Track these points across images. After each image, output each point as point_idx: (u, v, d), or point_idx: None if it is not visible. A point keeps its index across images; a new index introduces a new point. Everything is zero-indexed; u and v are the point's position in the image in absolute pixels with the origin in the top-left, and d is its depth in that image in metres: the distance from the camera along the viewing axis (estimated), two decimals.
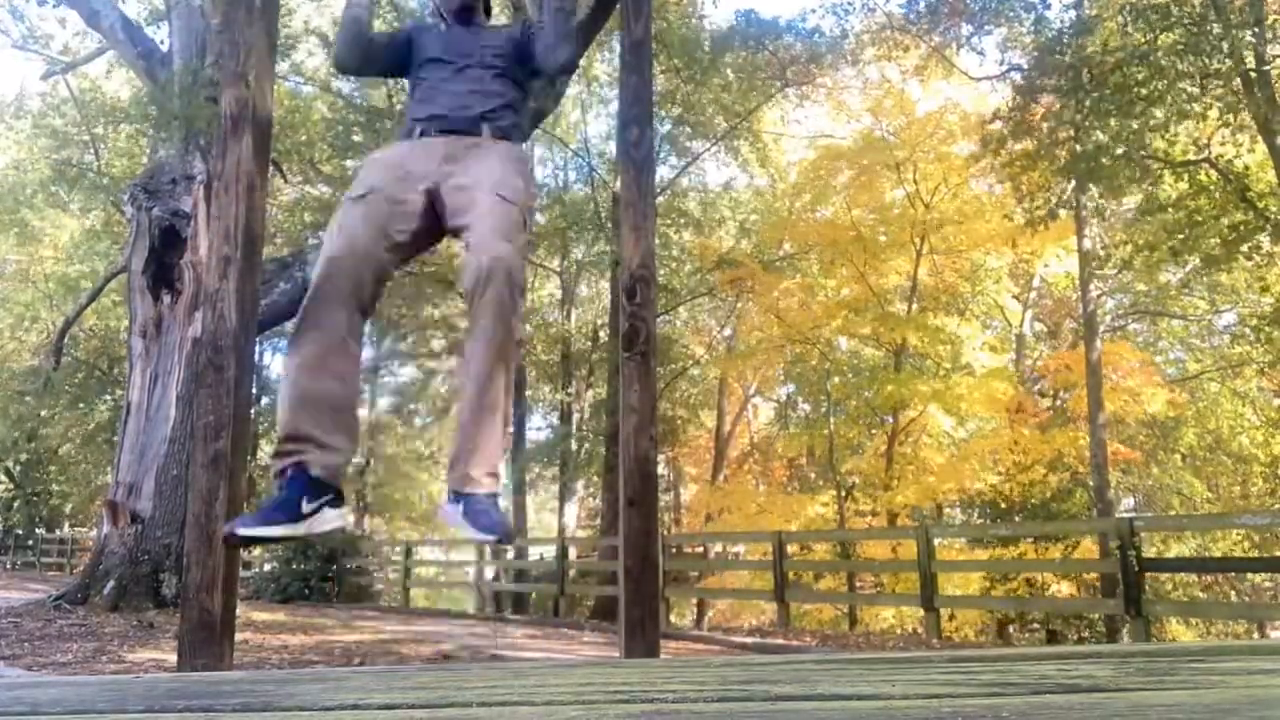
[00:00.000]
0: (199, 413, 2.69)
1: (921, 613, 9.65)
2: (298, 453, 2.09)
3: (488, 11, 2.79)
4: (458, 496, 2.13)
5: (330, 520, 2.11)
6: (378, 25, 14.91)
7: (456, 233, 2.28)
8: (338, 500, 2.14)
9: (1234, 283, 16.26)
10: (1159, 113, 10.51)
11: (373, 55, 2.69)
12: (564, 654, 7.16)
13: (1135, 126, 10.70)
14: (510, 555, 16.29)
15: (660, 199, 17.02)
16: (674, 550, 16.93)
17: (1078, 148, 11.00)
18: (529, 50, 2.55)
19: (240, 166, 2.79)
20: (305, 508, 2.05)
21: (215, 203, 2.85)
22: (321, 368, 2.15)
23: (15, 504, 24.19)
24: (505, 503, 2.24)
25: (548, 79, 2.61)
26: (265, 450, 24.46)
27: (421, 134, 2.39)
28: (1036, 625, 15.96)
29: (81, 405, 20.39)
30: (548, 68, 2.56)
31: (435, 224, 2.32)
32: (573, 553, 14.24)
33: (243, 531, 2.06)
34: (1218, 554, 16.29)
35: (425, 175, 2.29)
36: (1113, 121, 10.68)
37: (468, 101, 2.42)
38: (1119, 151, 10.97)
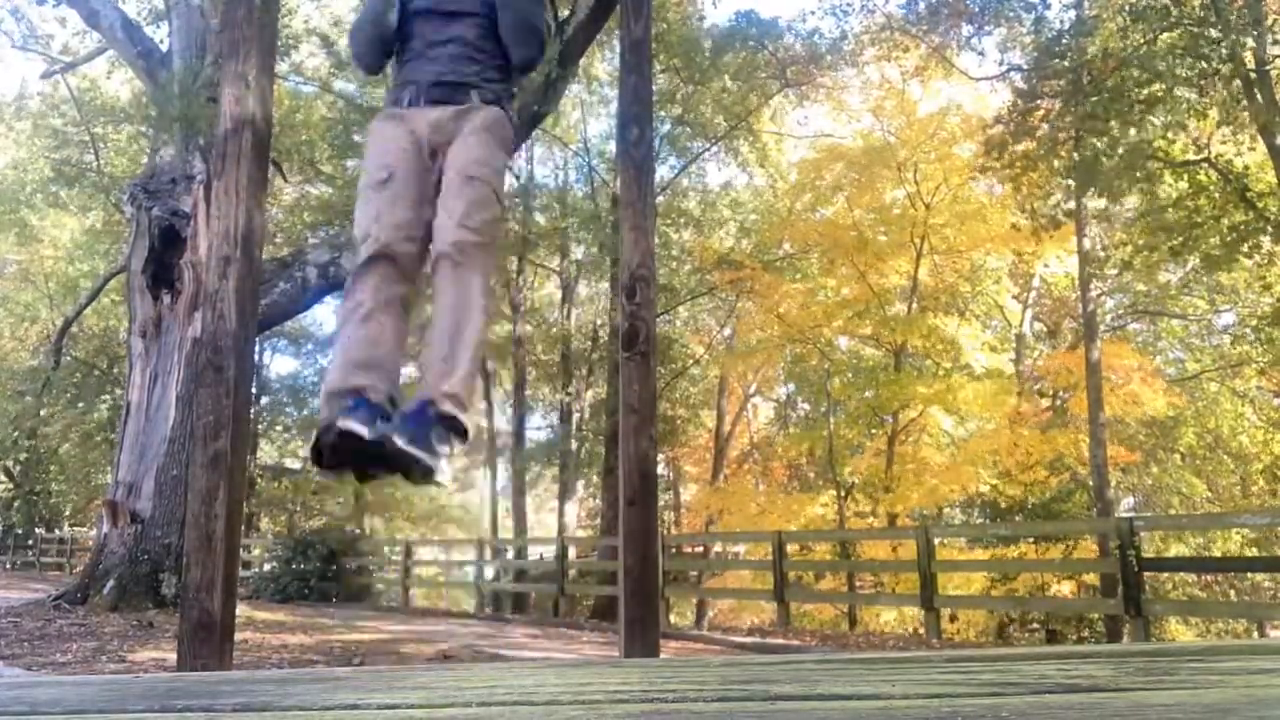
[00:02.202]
0: (199, 412, 2.69)
1: (921, 613, 9.65)
2: (357, 391, 2.16)
3: None
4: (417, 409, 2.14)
5: (408, 447, 2.12)
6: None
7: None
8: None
9: (1234, 283, 16.26)
10: (1156, 120, 10.51)
11: (390, 45, 2.66)
12: (564, 654, 7.16)
13: (1134, 129, 10.71)
14: (510, 555, 16.30)
15: (660, 199, 17.02)
16: (674, 550, 16.94)
17: (1075, 155, 11.00)
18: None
19: (240, 166, 2.79)
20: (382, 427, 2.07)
21: (215, 203, 2.85)
22: (375, 335, 2.25)
23: (15, 503, 24.19)
24: (463, 447, 2.21)
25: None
26: (265, 450, 24.48)
27: (410, 103, 2.44)
28: (1036, 625, 15.96)
29: (81, 405, 20.40)
30: (513, 62, 2.57)
31: None
32: (573, 553, 14.24)
33: (348, 426, 2.02)
34: (1218, 554, 16.29)
35: (424, 140, 2.40)
36: (1113, 124, 10.69)
37: (455, 67, 2.45)
38: (1118, 154, 10.98)
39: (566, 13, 8.94)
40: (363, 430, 2.01)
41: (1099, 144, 10.70)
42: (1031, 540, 14.11)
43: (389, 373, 2.25)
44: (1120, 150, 10.81)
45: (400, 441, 2.01)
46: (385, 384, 2.20)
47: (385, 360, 2.25)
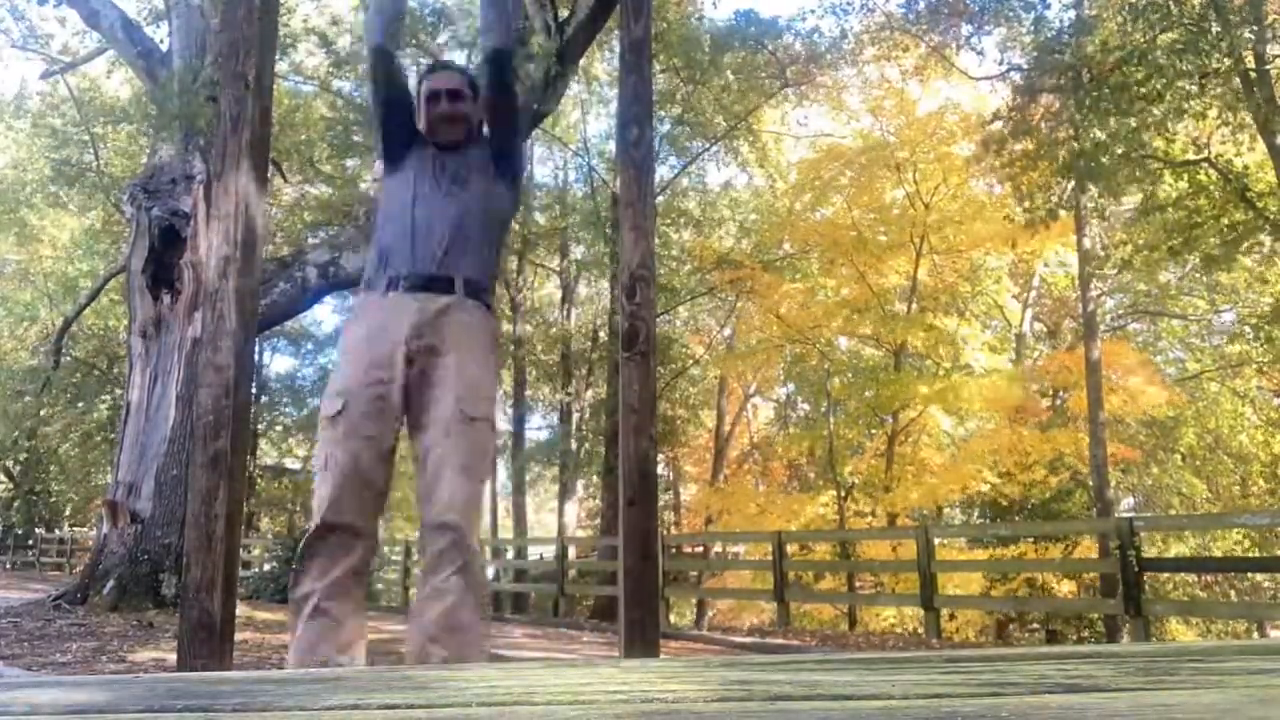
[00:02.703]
0: (199, 412, 2.69)
1: (921, 613, 9.66)
2: None
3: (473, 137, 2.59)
4: None
5: None
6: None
7: (414, 430, 2.20)
8: None
9: (1234, 282, 16.27)
10: (1157, 110, 10.51)
11: (400, 66, 2.60)
12: (564, 654, 7.16)
13: (1134, 125, 10.71)
14: (510, 555, 16.30)
15: (660, 199, 17.02)
16: (674, 550, 16.94)
17: (1076, 146, 11.01)
18: (506, 151, 2.51)
19: (240, 166, 2.79)
20: None
21: (215, 203, 2.85)
22: (328, 631, 2.10)
23: (15, 503, 24.20)
24: None
25: (492, 66, 2.58)
26: (265, 450, 24.48)
27: (388, 288, 2.27)
28: (1036, 625, 15.96)
29: (80, 405, 20.40)
30: (483, 58, 2.56)
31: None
32: (572, 553, 14.24)
33: None
34: (1218, 554, 16.29)
35: (396, 363, 2.17)
36: (1112, 121, 10.69)
37: (443, 252, 2.29)
38: (1118, 151, 10.98)
39: (566, 12, 8.94)
40: None
41: (1100, 133, 10.71)
42: (1031, 540, 14.11)
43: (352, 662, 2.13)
44: (1120, 144, 10.81)
45: None
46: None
47: (346, 652, 2.13)
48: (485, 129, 2.57)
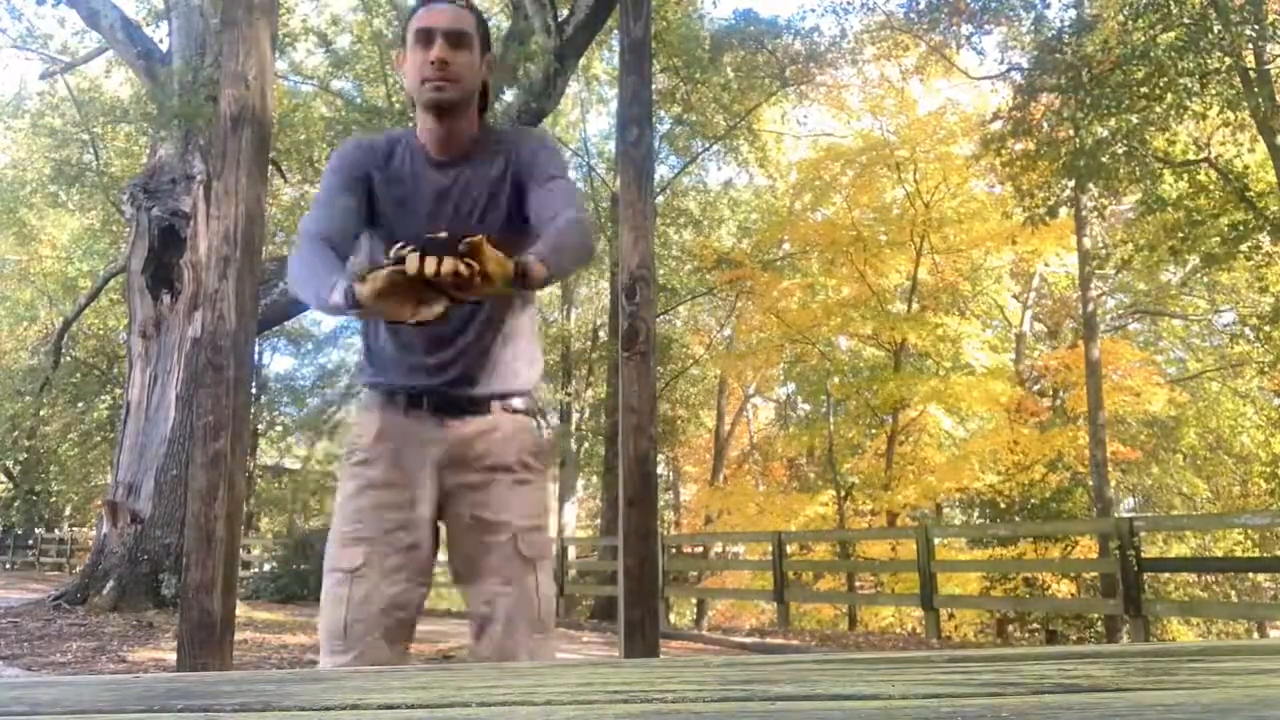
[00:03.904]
0: (198, 412, 2.69)
1: (921, 612, 9.66)
2: None
3: (483, 105, 1.80)
4: None
5: None
6: (378, 24, 14.59)
7: (461, 578, 1.75)
8: None
9: (1234, 282, 16.27)
10: (1159, 109, 10.52)
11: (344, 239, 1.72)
12: (564, 654, 7.16)
13: (1135, 122, 10.72)
14: None
15: (660, 199, 17.02)
16: (674, 550, 16.92)
17: (1077, 145, 11.01)
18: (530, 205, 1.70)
19: (240, 166, 2.79)
20: None
21: (215, 203, 2.85)
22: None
23: (15, 503, 24.21)
24: None
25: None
26: (265, 450, 24.48)
27: (408, 406, 1.72)
28: (1036, 625, 15.96)
29: (80, 405, 20.40)
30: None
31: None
32: (573, 553, 14.24)
33: None
34: (1218, 554, 16.29)
35: (420, 507, 1.70)
36: (1112, 120, 10.70)
37: (456, 354, 1.71)
38: (1119, 150, 10.98)
39: (566, 12, 8.94)
40: None
41: (1102, 131, 10.72)
42: (1031, 540, 14.11)
43: None
44: (1120, 143, 10.82)
45: None
46: None
47: None
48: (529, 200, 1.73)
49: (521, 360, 1.79)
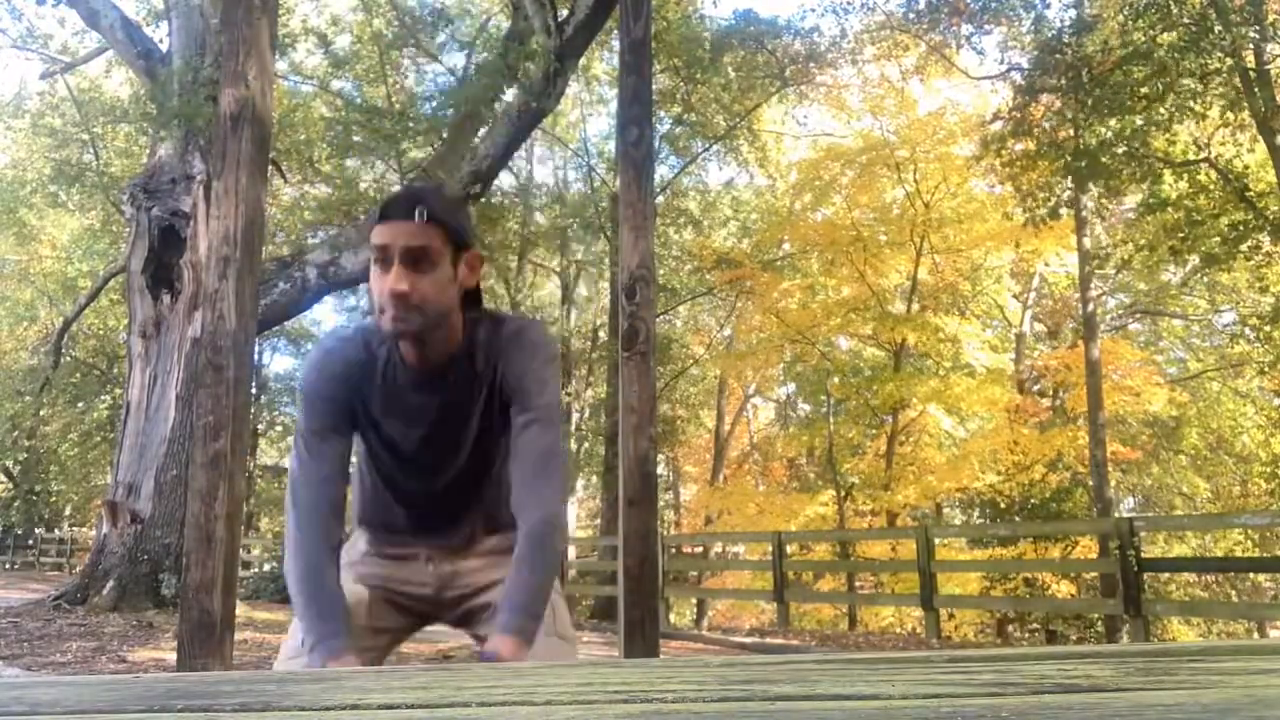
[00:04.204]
0: (198, 413, 2.69)
1: (921, 612, 9.66)
2: None
3: (473, 303, 1.62)
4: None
5: None
6: (378, 24, 14.56)
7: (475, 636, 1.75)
8: None
9: (1234, 282, 16.28)
10: (1162, 110, 10.52)
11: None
12: None
13: (1138, 123, 10.72)
14: None
15: (660, 199, 17.02)
16: (674, 550, 16.93)
17: (1077, 146, 11.01)
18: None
19: (240, 166, 2.79)
20: None
21: (215, 203, 2.85)
22: None
23: (15, 503, 24.22)
24: None
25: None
26: (265, 450, 24.50)
27: (383, 543, 1.72)
28: (1036, 625, 15.97)
29: (80, 405, 20.41)
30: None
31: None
32: (572, 553, 14.24)
33: None
34: (1219, 554, 16.29)
35: (396, 635, 1.73)
36: (1113, 120, 10.70)
37: (448, 511, 1.68)
38: (1119, 150, 10.98)
39: (566, 11, 8.94)
40: None
41: (1102, 131, 10.73)
42: (1031, 540, 14.12)
43: None
44: (1120, 143, 10.82)
45: None
46: None
47: None
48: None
49: (505, 500, 1.61)
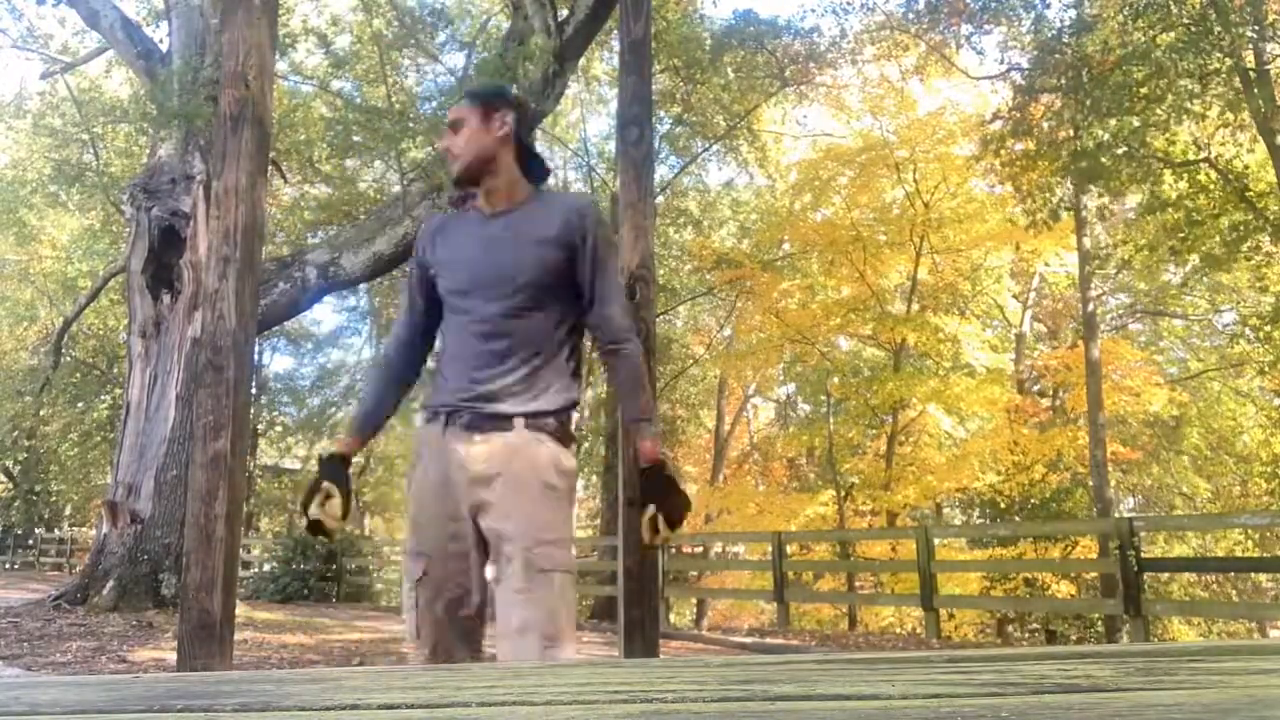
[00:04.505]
0: (198, 413, 2.69)
1: (921, 612, 9.66)
2: None
3: (534, 173, 2.06)
4: None
5: None
6: (378, 24, 14.57)
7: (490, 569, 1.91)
8: None
9: (1234, 282, 16.27)
10: (1161, 110, 10.52)
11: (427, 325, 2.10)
12: None
13: (1136, 124, 10.72)
14: None
15: (660, 199, 17.01)
16: (674, 550, 16.92)
17: (1077, 146, 11.01)
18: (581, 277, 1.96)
19: (240, 166, 2.79)
20: None
21: (215, 203, 2.85)
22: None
23: (15, 503, 24.21)
24: None
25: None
26: (265, 450, 24.49)
27: (446, 423, 1.93)
28: (1036, 625, 15.97)
29: (80, 405, 20.40)
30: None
31: None
32: (572, 552, 14.23)
33: None
34: (1220, 554, 16.30)
35: (460, 509, 1.90)
36: (1112, 120, 10.70)
37: (495, 376, 1.89)
38: (1119, 150, 10.98)
39: (566, 12, 8.94)
40: None
41: (1102, 131, 10.72)
42: (1031, 540, 14.12)
43: None
44: (1120, 143, 10.82)
45: None
46: None
47: None
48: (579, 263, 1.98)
49: (555, 387, 1.95)
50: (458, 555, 1.88)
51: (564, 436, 1.96)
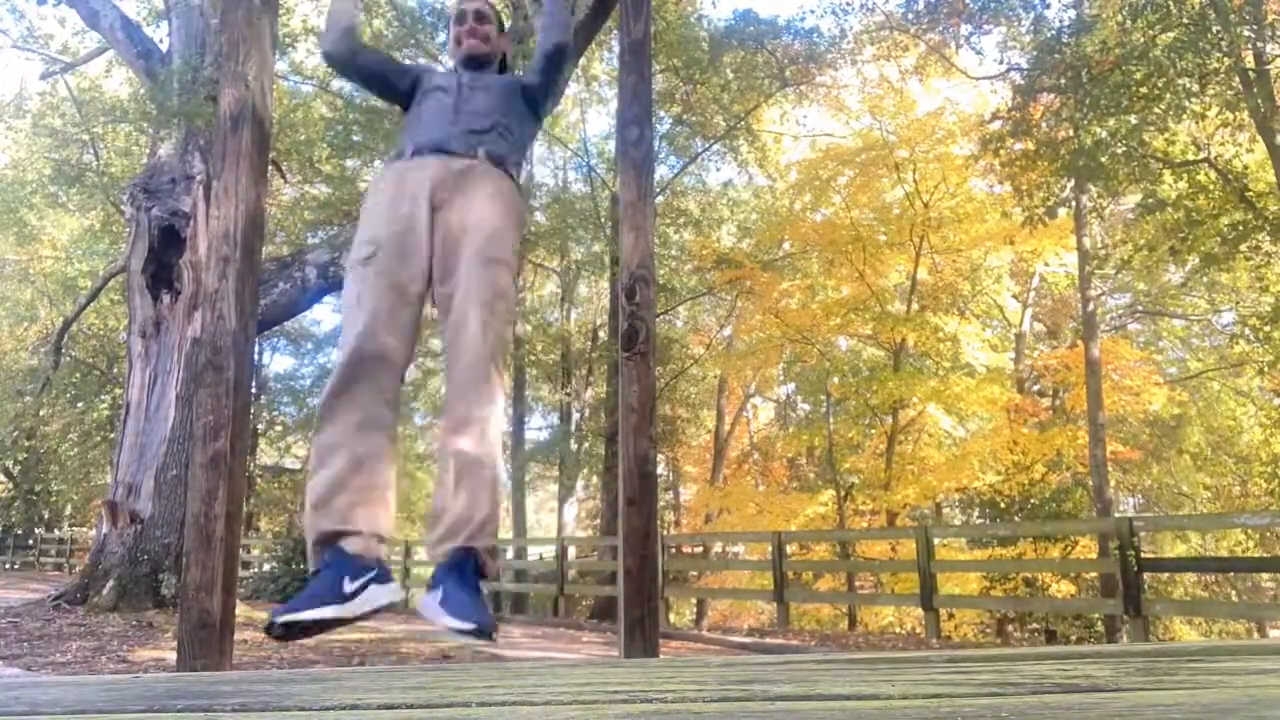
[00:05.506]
0: (198, 413, 2.69)
1: (921, 612, 9.66)
2: (334, 539, 1.97)
3: (502, 68, 2.73)
4: (437, 577, 1.96)
5: (379, 598, 1.97)
6: (378, 24, 14.63)
7: (441, 300, 2.20)
8: (383, 576, 2.00)
9: (1234, 282, 16.27)
10: (1159, 109, 10.51)
11: (365, 56, 2.65)
12: (564, 654, 7.16)
13: (1134, 122, 10.71)
14: (510, 555, 16.30)
15: (660, 199, 17.01)
16: (674, 550, 16.95)
17: (1076, 145, 11.00)
18: (533, 91, 2.57)
19: (240, 166, 2.79)
20: (348, 587, 1.92)
21: (215, 203, 2.85)
22: (357, 459, 2.01)
23: (15, 503, 24.20)
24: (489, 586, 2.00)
25: (543, 68, 2.55)
26: (265, 450, 24.49)
27: (414, 153, 2.33)
28: (1036, 625, 15.96)
29: (80, 404, 20.40)
30: (542, 51, 2.57)
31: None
32: (572, 552, 14.24)
33: (286, 618, 1.88)
34: (1221, 554, 16.29)
35: (419, 212, 2.22)
36: (1112, 120, 10.69)
37: (464, 123, 2.39)
38: (1118, 150, 10.97)
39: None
40: (314, 615, 1.88)
41: (1100, 132, 10.71)
42: (1031, 540, 14.11)
43: (374, 515, 2.01)
44: (1120, 143, 10.81)
45: (454, 622, 1.82)
46: (371, 526, 2.00)
47: (369, 500, 2.01)
48: (526, 77, 2.63)
49: (513, 141, 2.46)
50: (406, 242, 2.20)
51: (515, 177, 2.44)
